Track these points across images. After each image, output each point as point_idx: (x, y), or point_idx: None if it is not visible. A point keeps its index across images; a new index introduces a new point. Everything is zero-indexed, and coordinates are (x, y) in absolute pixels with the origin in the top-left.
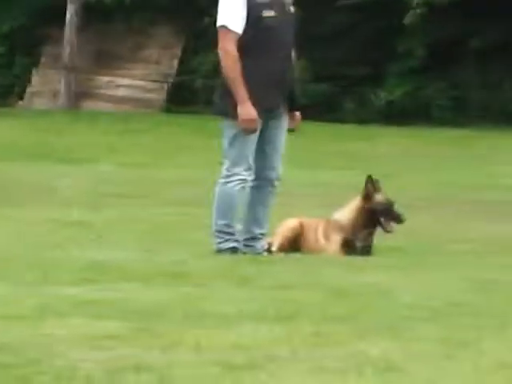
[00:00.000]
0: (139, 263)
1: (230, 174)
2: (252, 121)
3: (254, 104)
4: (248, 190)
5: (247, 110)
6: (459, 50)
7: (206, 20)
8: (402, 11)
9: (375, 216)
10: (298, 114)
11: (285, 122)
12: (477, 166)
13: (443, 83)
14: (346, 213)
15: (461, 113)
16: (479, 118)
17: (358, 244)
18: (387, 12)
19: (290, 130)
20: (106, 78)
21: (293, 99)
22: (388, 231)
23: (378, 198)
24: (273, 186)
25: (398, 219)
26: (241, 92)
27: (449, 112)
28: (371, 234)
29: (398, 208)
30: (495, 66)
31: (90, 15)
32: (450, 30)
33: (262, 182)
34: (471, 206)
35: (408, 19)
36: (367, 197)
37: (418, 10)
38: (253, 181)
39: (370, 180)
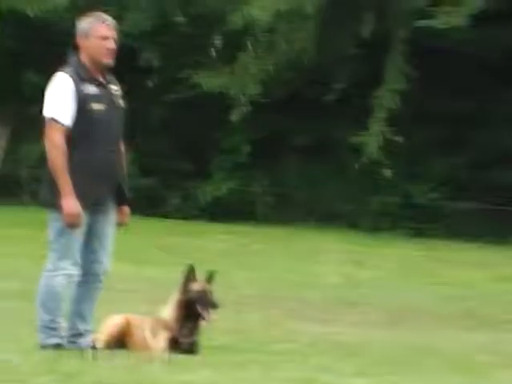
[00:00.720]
0: None
1: (55, 267)
2: (75, 215)
3: (81, 198)
4: (74, 284)
5: (70, 203)
6: (283, 148)
7: (33, 109)
8: (228, 107)
9: (193, 306)
10: (126, 208)
11: (113, 217)
12: (299, 265)
13: (267, 180)
14: (168, 309)
15: (284, 211)
16: (302, 216)
17: (183, 340)
18: (213, 108)
19: (118, 225)
20: None
21: (121, 193)
22: (206, 320)
23: (194, 286)
24: (99, 281)
25: (214, 305)
26: (65, 185)
27: (273, 209)
28: (195, 329)
29: (213, 295)
30: (318, 165)
31: None
32: (274, 127)
33: (89, 277)
34: (295, 305)
35: (234, 116)
36: (184, 287)
37: (244, 107)
38: (79, 276)
39: (188, 270)
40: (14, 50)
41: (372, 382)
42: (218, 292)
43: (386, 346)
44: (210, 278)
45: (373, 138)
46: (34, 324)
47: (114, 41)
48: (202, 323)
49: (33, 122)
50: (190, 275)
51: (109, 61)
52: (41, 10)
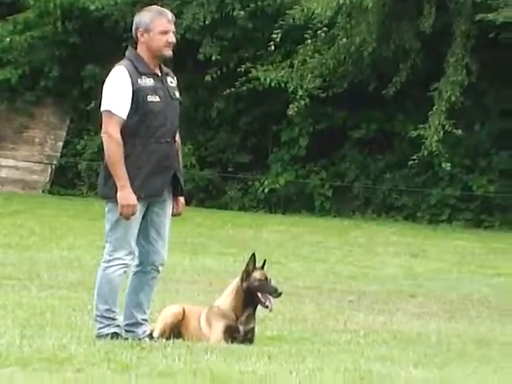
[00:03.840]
0: (18, 348)
1: (111, 258)
2: (130, 206)
3: (138, 189)
4: (131, 274)
5: (126, 195)
6: (341, 141)
7: (92, 103)
8: (285, 101)
9: (253, 293)
10: (182, 199)
11: (169, 208)
12: (357, 257)
13: (325, 173)
14: (225, 297)
15: (342, 203)
16: (360, 208)
17: (241, 328)
18: (271, 101)
19: (174, 215)
20: None
21: (177, 185)
22: (266, 307)
23: (255, 274)
24: (157, 271)
25: (275, 292)
26: (121, 177)
27: (330, 201)
28: (252, 316)
29: (274, 283)
30: (376, 157)
31: None
32: (333, 120)
33: (146, 268)
34: (352, 296)
35: (292, 109)
36: (246, 274)
37: (302, 101)
38: (137, 266)
39: (252, 258)
40: (75, 44)
41: (430, 373)
42: (275, 281)
43: (444, 337)
44: (262, 266)
45: (432, 131)
46: (91, 314)
47: (174, 34)
48: (265, 310)
49: (92, 115)
50: (252, 264)
51: (169, 53)
52: (102, 4)
